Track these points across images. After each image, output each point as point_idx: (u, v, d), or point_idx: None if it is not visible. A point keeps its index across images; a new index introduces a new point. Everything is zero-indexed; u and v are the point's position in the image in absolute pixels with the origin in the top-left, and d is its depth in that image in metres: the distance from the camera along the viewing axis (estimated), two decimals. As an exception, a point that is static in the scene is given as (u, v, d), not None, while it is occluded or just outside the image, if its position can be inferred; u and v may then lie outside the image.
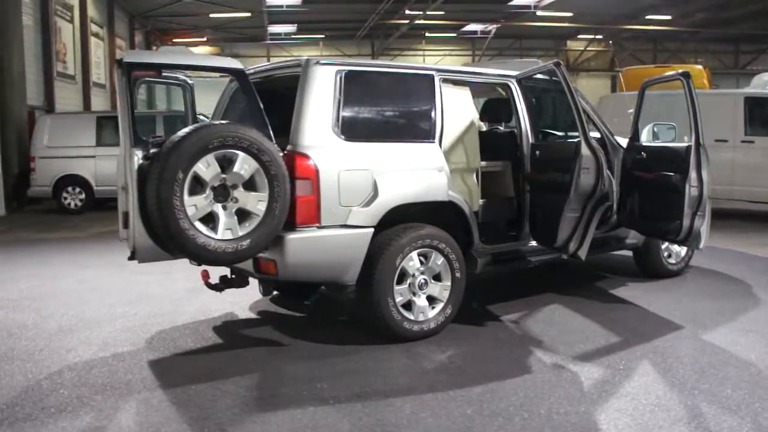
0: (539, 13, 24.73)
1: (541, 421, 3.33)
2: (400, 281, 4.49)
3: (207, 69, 4.58)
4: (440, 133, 4.74)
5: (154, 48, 28.12)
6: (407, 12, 24.38)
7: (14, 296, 6.13)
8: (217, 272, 4.76)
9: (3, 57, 12.42)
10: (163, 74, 4.89)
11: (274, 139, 4.16)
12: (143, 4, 23.03)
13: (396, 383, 3.89)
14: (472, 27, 27.54)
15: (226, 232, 3.88)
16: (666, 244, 6.23)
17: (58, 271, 7.29)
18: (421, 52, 30.98)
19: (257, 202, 3.93)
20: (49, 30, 15.56)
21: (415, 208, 4.60)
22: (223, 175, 3.87)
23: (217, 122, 4.05)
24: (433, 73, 4.84)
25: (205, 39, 29.86)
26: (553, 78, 4.84)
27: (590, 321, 4.99)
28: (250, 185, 3.95)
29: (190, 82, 5.12)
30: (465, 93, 5.10)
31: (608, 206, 4.84)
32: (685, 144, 5.09)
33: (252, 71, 5.01)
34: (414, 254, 4.50)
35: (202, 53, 29.93)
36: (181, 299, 5.83)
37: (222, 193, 3.90)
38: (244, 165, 3.88)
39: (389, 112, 4.68)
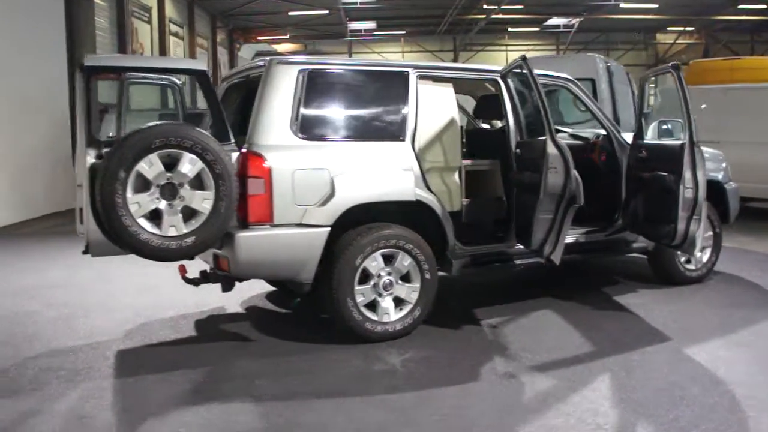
0: (622, 5, 23.73)
1: (455, 432, 3.21)
2: (364, 281, 4.43)
3: (167, 71, 4.67)
4: (413, 131, 4.63)
5: (237, 46, 29.01)
6: (485, 6, 24.00)
7: (38, 284, 6.46)
8: (195, 267, 4.84)
9: (75, 57, 13.15)
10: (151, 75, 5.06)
11: (232, 138, 4.20)
12: (223, 3, 23.76)
13: (334, 384, 3.85)
14: (554, 21, 26.74)
15: (170, 228, 3.95)
16: (685, 246, 5.84)
17: (80, 262, 7.63)
18: (503, 48, 30.42)
19: (203, 201, 3.98)
20: (124, 30, 16.34)
21: (385, 208, 4.53)
22: (169, 174, 3.94)
23: (163, 122, 4.12)
24: (408, 70, 4.73)
25: (287, 36, 30.46)
26: (523, 71, 4.63)
27: (573, 329, 4.75)
28: (198, 184, 4.00)
29: (178, 82, 5.24)
30: (446, 90, 4.95)
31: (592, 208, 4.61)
32: (680, 142, 4.76)
33: (233, 72, 5.06)
34: (377, 255, 4.43)
35: (285, 50, 30.65)
36: (182, 293, 5.93)
37: (171, 191, 3.97)
38: (187, 164, 3.94)
39: (354, 111, 4.62)
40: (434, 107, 4.83)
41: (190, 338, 4.81)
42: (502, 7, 23.55)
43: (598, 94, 11.33)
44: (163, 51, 19.45)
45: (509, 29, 29.06)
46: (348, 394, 3.68)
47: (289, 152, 4.24)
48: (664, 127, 5.31)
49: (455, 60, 30.46)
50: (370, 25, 28.25)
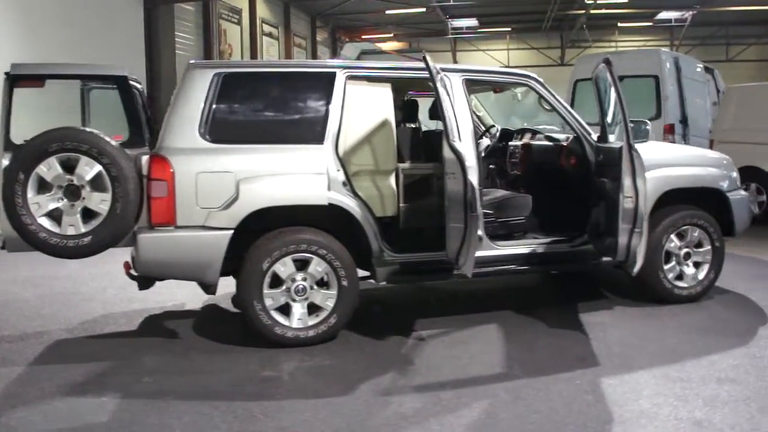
0: (739, -5, 21.91)
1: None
2: (277, 285, 4.38)
3: (89, 77, 4.85)
4: (335, 134, 4.51)
5: (339, 46, 29.51)
6: (586, 1, 22.96)
7: (37, 275, 6.85)
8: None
9: (154, 62, 13.94)
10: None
11: (148, 141, 4.32)
12: (321, 3, 24.26)
13: (211, 386, 3.86)
14: (665, 15, 25.11)
15: (69, 228, 4.12)
16: (673, 262, 5.31)
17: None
18: (613, 44, 28.93)
19: (100, 202, 4.14)
20: (210, 32, 17.07)
21: (305, 212, 4.46)
22: (69, 176, 4.09)
23: (62, 127, 4.28)
24: (335, 71, 4.61)
25: (391, 35, 30.62)
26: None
27: (500, 346, 4.45)
28: (99, 186, 4.13)
29: (139, 86, 5.40)
30: (381, 91, 4.77)
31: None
32: (619, 145, 4.33)
33: None
34: (288, 259, 4.36)
35: (389, 49, 30.88)
36: (169, 288, 6.05)
37: (73, 193, 4.13)
38: (85, 167, 4.11)
39: (270, 114, 4.57)
40: (365, 109, 4.68)
41: (125, 332, 4.96)
42: (607, 1, 22.43)
43: (662, 91, 10.59)
44: (254, 52, 20.16)
45: (619, 24, 27.59)
46: (213, 398, 3.65)
47: (194, 156, 4.27)
48: (633, 129, 4.83)
49: (562, 57, 29.40)
50: (472, 22, 27.80)
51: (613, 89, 4.56)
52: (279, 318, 4.39)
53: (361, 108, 4.65)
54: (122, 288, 6.04)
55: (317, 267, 4.41)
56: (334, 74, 4.59)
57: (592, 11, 23.02)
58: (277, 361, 4.22)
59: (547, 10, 24.89)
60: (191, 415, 3.45)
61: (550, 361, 4.15)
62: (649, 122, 4.94)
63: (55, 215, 4.13)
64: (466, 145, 4.69)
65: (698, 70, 11.76)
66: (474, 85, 5.35)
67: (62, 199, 4.12)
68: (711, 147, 9.88)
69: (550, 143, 5.62)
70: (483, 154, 6.19)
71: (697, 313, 5.13)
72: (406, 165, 4.99)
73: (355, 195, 4.54)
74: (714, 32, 27.38)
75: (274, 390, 3.79)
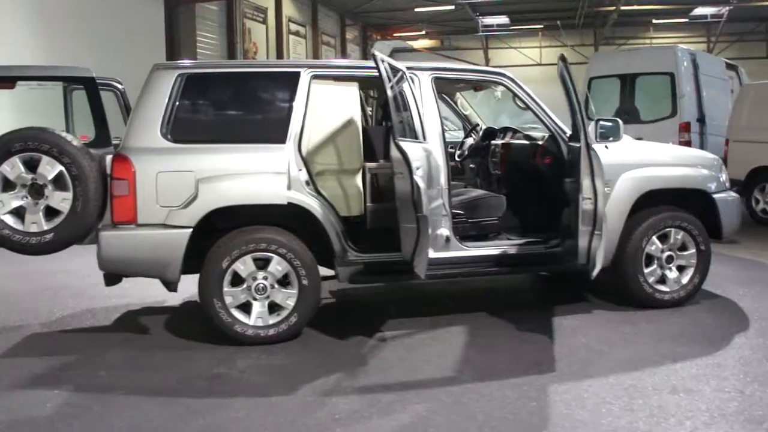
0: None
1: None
2: (238, 284, 4.41)
3: (54, 79, 4.94)
4: (298, 134, 4.52)
5: (370, 44, 29.52)
6: (617, -3, 22.53)
7: (47, 269, 6.91)
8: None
9: (173, 60, 14.15)
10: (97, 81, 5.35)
11: (111, 141, 4.40)
12: (350, 1, 24.32)
13: (161, 383, 3.92)
14: (701, 11, 24.45)
15: (31, 225, 4.24)
16: (654, 265, 5.18)
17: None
18: (647, 40, 28.30)
19: (62, 200, 4.24)
20: (233, 31, 17.25)
21: (268, 212, 4.48)
22: (33, 176, 4.19)
23: (24, 128, 4.37)
24: (300, 70, 4.61)
25: (423, 33, 30.52)
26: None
27: (462, 350, 4.37)
28: (61, 185, 4.22)
29: (120, 87, 5.51)
30: (348, 90, 4.75)
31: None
32: (578, 144, 4.23)
33: None
34: (248, 258, 4.39)
35: (421, 47, 30.76)
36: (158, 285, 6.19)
37: (38, 191, 4.24)
38: (46, 166, 4.21)
39: (232, 114, 4.62)
40: (331, 108, 4.67)
41: (99, 327, 5.06)
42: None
43: (677, 89, 10.36)
44: (280, 50, 20.32)
45: (653, 21, 26.98)
46: (160, 394, 3.72)
47: (155, 155, 4.33)
48: (602, 127, 4.73)
49: (595, 54, 28.89)
50: (503, 19, 27.52)
51: (564, 87, 4.45)
52: (239, 316, 4.42)
53: (326, 107, 4.65)
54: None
55: (277, 266, 4.42)
56: (298, 74, 4.59)
57: (624, 7, 22.52)
58: (233, 358, 4.25)
59: (578, 6, 24.51)
60: (132, 410, 3.51)
61: (505, 365, 4.08)
62: (620, 121, 4.80)
63: (19, 213, 4.23)
64: (433, 144, 4.66)
65: (719, 67, 11.44)
66: (445, 84, 5.29)
67: (26, 198, 4.23)
68: (726, 146, 9.61)
69: (527, 142, 5.52)
70: (466, 153, 6.14)
71: (677, 318, 4.98)
72: (373, 164, 4.96)
73: (319, 194, 4.54)
74: (752, 28, 26.58)
75: (219, 387, 3.81)
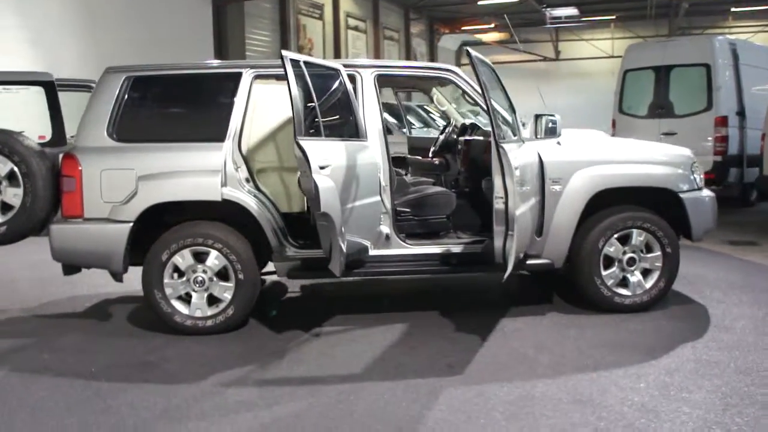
0: None
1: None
2: (179, 276, 4.63)
3: (15, 83, 5.28)
4: (238, 132, 4.66)
5: (437, 38, 29.38)
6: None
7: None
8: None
9: (223, 59, 14.61)
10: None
11: (66, 140, 4.70)
12: (411, -6, 24.33)
13: (85, 368, 4.14)
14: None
15: None
16: (614, 268, 5.03)
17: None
18: (726, 30, 26.82)
19: (13, 196, 4.60)
20: (286, 28, 17.64)
21: (206, 208, 4.66)
22: None
23: None
24: (241, 71, 4.75)
25: (492, 26, 30.12)
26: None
27: (385, 348, 4.37)
28: (14, 181, 4.56)
29: None
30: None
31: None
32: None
33: None
34: (186, 252, 4.58)
35: (490, 40, 30.34)
36: None
37: None
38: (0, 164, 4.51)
39: (173, 114, 4.83)
40: (272, 107, 4.80)
41: (69, 314, 5.40)
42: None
43: (713, 81, 9.88)
44: (337, 46, 20.59)
45: (732, 9, 25.58)
46: (82, 377, 3.98)
47: (100, 154, 4.60)
48: (544, 123, 4.63)
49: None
50: (571, 11, 26.75)
51: (476, 82, 4.35)
52: (179, 306, 4.63)
53: (268, 107, 4.77)
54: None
55: (215, 260, 4.60)
56: (239, 74, 4.73)
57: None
58: (166, 347, 4.46)
59: (647, -5, 23.59)
60: (47, 391, 3.78)
61: (417, 366, 4.07)
62: (557, 116, 4.68)
63: None
64: (372, 142, 4.71)
65: (764, 58, 10.79)
66: (388, 81, 5.31)
67: None
68: (762, 140, 9.09)
69: (482, 139, 5.46)
70: (435, 148, 6.13)
71: (632, 324, 4.80)
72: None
73: (259, 191, 4.67)
74: None
75: (138, 374, 4.02)
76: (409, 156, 6.89)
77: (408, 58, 25.94)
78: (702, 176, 5.31)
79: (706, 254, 7.03)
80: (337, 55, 20.46)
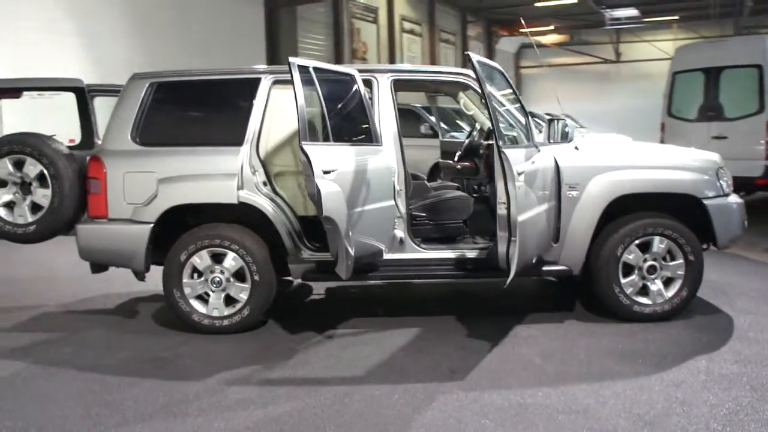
0: None
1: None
2: (198, 276, 4.79)
3: (48, 88, 5.52)
4: (256, 136, 4.79)
5: (495, 41, 29.13)
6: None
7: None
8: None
9: (275, 63, 14.90)
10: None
11: (94, 143, 4.94)
12: (466, -1, 24.23)
13: (102, 362, 4.33)
14: None
15: (18, 218, 4.86)
16: (634, 275, 4.93)
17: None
18: (798, 29, 25.71)
19: (43, 197, 4.85)
20: (340, 32, 17.84)
21: (225, 210, 4.80)
22: (20, 174, 4.81)
23: (12, 133, 4.94)
24: (260, 76, 4.87)
25: (552, 28, 29.70)
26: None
27: (392, 352, 4.41)
28: (44, 183, 4.81)
29: None
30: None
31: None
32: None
33: None
34: (204, 253, 4.74)
35: (550, 42, 29.92)
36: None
37: (28, 188, 4.86)
38: (29, 166, 4.82)
39: (195, 119, 4.97)
40: (290, 112, 4.87)
41: (101, 310, 5.65)
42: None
43: (765, 82, 9.52)
44: (392, 49, 20.69)
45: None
46: (96, 371, 4.16)
47: (124, 157, 4.80)
48: (557, 128, 4.58)
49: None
50: (631, 12, 26.15)
51: (480, 86, 4.32)
52: (197, 306, 4.78)
53: (286, 111, 4.87)
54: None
55: (231, 261, 4.73)
56: (258, 80, 4.86)
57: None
58: (181, 344, 4.61)
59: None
60: (62, 383, 3.97)
61: (421, 370, 4.09)
62: (567, 120, 4.61)
63: (10, 206, 4.87)
64: (387, 147, 4.76)
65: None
66: (405, 85, 5.34)
67: (17, 193, 4.86)
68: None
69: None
70: (461, 152, 6.13)
71: (649, 334, 4.68)
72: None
73: (276, 194, 4.79)
74: None
75: (151, 370, 4.18)
76: (441, 160, 6.92)
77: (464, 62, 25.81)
78: (730, 182, 5.15)
79: (743, 262, 6.79)
80: (392, 59, 20.57)
